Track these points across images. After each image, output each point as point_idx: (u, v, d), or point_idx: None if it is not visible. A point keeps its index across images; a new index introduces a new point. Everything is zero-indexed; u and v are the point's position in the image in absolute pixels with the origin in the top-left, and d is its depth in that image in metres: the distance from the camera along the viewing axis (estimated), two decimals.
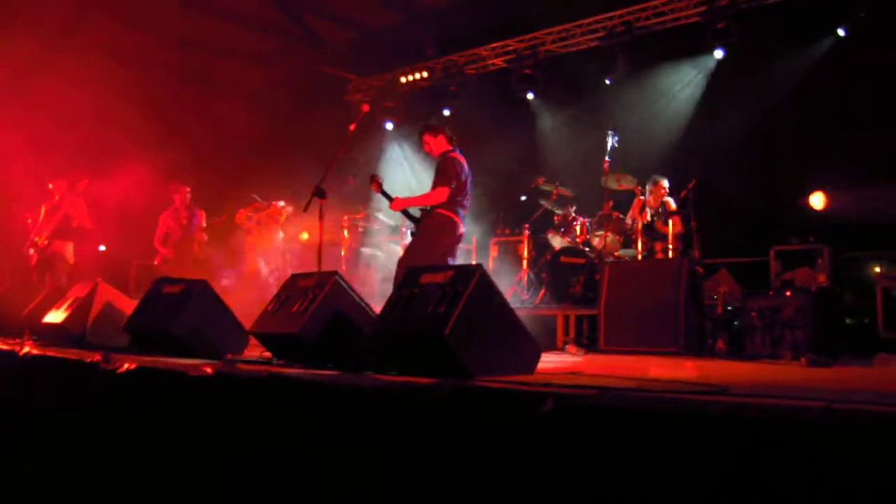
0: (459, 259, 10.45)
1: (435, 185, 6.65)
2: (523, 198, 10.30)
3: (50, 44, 10.24)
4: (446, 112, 12.39)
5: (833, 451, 2.23)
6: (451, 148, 6.91)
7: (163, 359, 4.94)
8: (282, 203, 10.50)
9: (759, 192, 9.62)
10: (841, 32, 9.14)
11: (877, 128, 8.53)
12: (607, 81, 10.82)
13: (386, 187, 6.81)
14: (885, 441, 2.17)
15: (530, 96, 11.62)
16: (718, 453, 2.35)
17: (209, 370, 4.19)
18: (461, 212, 6.73)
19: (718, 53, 9.98)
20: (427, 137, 6.99)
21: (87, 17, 11.17)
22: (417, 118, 11.47)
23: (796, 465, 2.26)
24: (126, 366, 4.67)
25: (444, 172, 6.64)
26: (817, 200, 8.93)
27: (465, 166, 6.81)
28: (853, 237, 8.73)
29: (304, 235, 10.90)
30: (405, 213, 6.86)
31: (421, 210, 6.77)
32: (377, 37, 13.10)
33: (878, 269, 8.44)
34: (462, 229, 6.79)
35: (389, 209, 6.90)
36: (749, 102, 9.76)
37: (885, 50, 8.65)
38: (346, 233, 10.97)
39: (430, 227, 6.64)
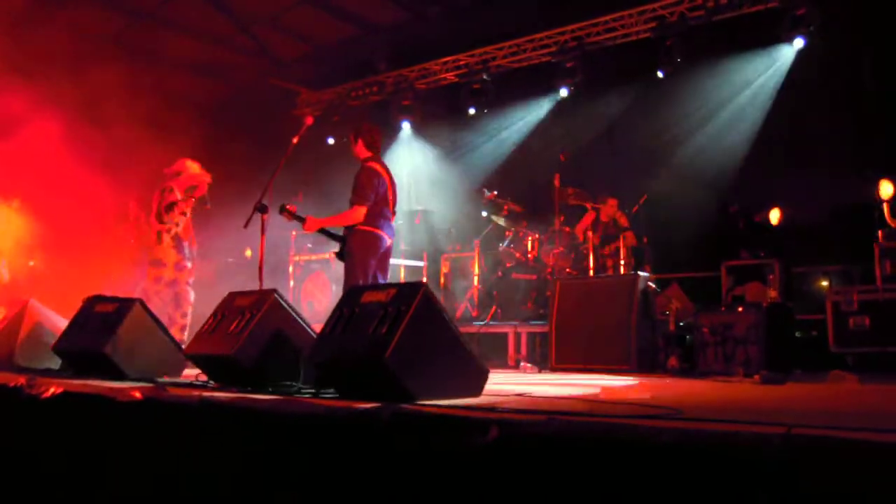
0: (410, 276, 10.34)
1: (351, 202, 6.34)
2: (484, 213, 10.11)
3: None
4: (405, 124, 12.17)
5: (795, 481, 2.10)
6: (370, 155, 6.56)
7: (91, 382, 4.68)
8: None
9: (708, 206, 9.64)
10: (800, 42, 9.09)
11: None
12: (565, 92, 10.65)
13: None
14: (850, 469, 2.04)
15: (473, 111, 11.42)
16: (675, 484, 2.21)
17: (139, 395, 3.95)
18: (383, 224, 6.41)
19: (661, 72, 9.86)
20: (351, 138, 6.67)
21: (35, 30, 10.82)
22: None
23: (757, 496, 2.13)
24: (52, 390, 4.41)
25: (359, 189, 6.32)
26: (774, 216, 8.93)
27: (385, 176, 6.49)
28: (802, 252, 8.76)
29: (248, 252, 10.58)
30: (323, 232, 6.49)
31: (344, 228, 6.42)
32: (329, 51, 12.91)
33: (825, 284, 8.47)
34: (388, 241, 6.46)
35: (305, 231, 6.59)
36: (695, 118, 9.81)
37: (838, 62, 8.74)
38: (294, 249, 10.74)
39: (354, 246, 6.31)
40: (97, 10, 11.15)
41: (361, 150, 6.59)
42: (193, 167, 7.90)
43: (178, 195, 7.69)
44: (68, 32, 10.97)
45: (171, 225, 7.68)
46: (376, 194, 6.34)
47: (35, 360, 6.13)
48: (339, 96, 12.91)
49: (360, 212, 6.27)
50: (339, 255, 6.42)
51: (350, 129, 6.78)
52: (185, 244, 7.83)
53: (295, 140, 6.32)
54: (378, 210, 6.36)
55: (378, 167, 6.49)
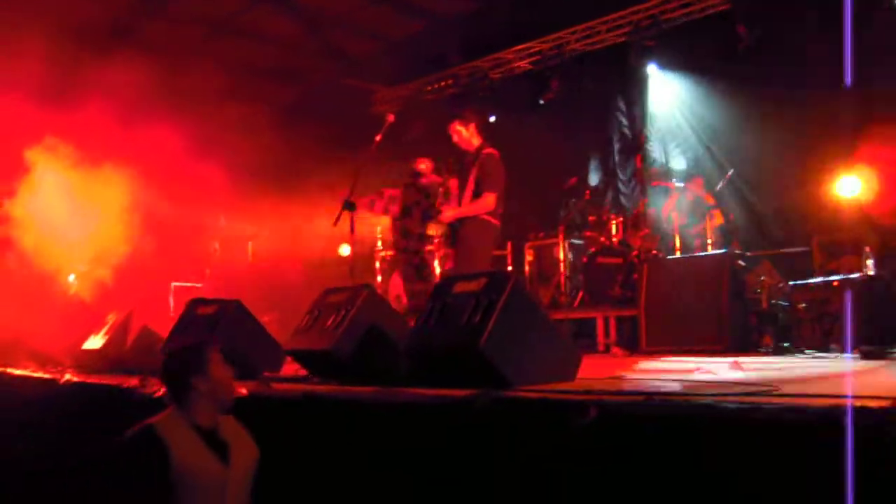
0: (493, 265, 10.36)
1: (481, 189, 6.23)
2: (574, 200, 10.05)
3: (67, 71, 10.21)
4: (492, 118, 12.10)
5: None
6: (483, 142, 6.46)
7: None
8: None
9: (793, 180, 9.39)
10: None
11: None
12: (651, 69, 10.47)
13: None
14: None
15: (547, 98, 11.31)
16: (774, 460, 2.22)
17: (244, 391, 4.14)
18: (500, 213, 6.36)
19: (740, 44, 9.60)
20: (457, 127, 6.49)
21: (111, 47, 11.28)
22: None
23: (858, 469, 2.12)
24: (163, 390, 4.64)
25: (491, 176, 6.23)
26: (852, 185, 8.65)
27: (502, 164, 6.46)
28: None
29: (346, 247, 10.71)
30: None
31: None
32: (401, 46, 13.02)
33: None
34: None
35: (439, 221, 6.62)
36: (778, 88, 9.52)
37: None
38: (379, 243, 10.91)
39: (471, 234, 6.23)
40: (176, 24, 11.57)
41: (475, 136, 6.50)
42: (428, 166, 8.24)
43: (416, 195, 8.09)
44: (151, 48, 11.42)
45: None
46: (501, 185, 6.27)
47: (144, 363, 6.42)
48: (415, 92, 13.03)
49: (492, 198, 6.20)
50: (451, 243, 6.39)
51: (452, 118, 6.65)
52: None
53: (378, 138, 6.43)
54: (499, 200, 6.31)
55: (498, 155, 6.40)
